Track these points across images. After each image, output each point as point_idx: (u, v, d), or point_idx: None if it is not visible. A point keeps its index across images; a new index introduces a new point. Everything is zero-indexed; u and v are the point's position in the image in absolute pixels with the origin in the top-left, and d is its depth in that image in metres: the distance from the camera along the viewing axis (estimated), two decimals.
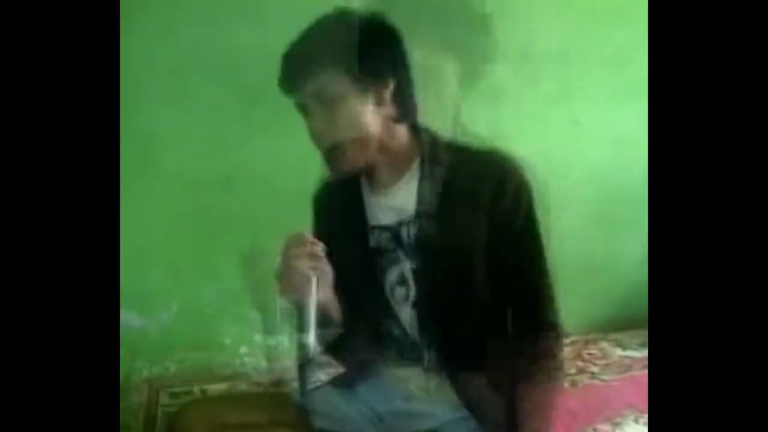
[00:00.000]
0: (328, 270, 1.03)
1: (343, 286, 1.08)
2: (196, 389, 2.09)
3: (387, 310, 1.16)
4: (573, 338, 2.34)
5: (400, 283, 1.14)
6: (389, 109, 1.09)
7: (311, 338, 0.98)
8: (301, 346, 0.98)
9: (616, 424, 1.78)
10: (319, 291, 1.01)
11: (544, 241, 1.13)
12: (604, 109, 2.29)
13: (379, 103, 1.08)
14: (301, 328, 0.98)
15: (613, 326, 2.41)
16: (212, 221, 2.09)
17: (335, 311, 1.09)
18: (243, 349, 2.20)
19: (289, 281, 0.99)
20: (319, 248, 1.02)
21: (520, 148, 1.14)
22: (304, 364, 0.98)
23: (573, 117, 2.27)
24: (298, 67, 1.07)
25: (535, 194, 1.12)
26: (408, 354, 1.17)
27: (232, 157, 2.06)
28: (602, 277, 2.40)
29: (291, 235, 1.02)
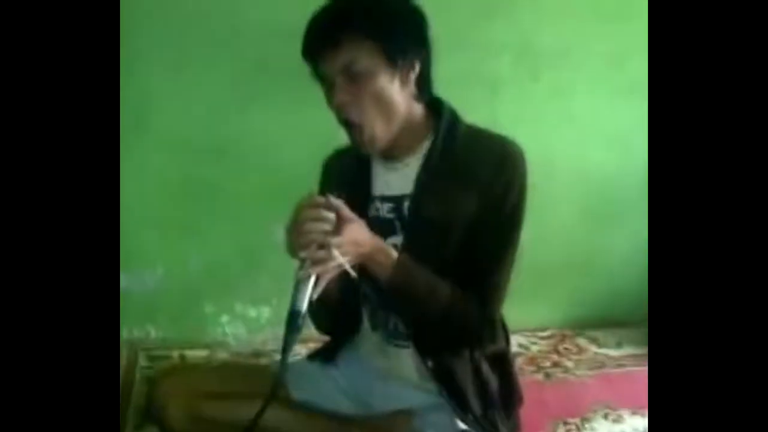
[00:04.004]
0: None
1: None
2: (175, 354, 2.11)
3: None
4: (550, 332, 2.38)
5: None
6: (412, 89, 1.09)
7: (304, 305, 0.96)
8: (293, 312, 0.95)
9: (585, 419, 1.82)
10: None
11: (519, 240, 1.13)
12: (602, 106, 2.30)
13: (404, 83, 1.08)
14: (297, 295, 0.96)
15: (591, 323, 2.44)
16: (204, 189, 2.09)
17: (335, 286, 1.06)
18: (224, 318, 2.22)
19: (298, 241, 0.98)
20: (332, 216, 0.99)
21: (515, 141, 1.14)
22: (293, 331, 0.95)
23: (571, 113, 2.28)
24: (330, 36, 1.04)
25: (527, 190, 1.11)
26: (383, 327, 1.18)
27: (226, 128, 2.06)
28: (585, 274, 2.43)
29: (306, 195, 1.01)
